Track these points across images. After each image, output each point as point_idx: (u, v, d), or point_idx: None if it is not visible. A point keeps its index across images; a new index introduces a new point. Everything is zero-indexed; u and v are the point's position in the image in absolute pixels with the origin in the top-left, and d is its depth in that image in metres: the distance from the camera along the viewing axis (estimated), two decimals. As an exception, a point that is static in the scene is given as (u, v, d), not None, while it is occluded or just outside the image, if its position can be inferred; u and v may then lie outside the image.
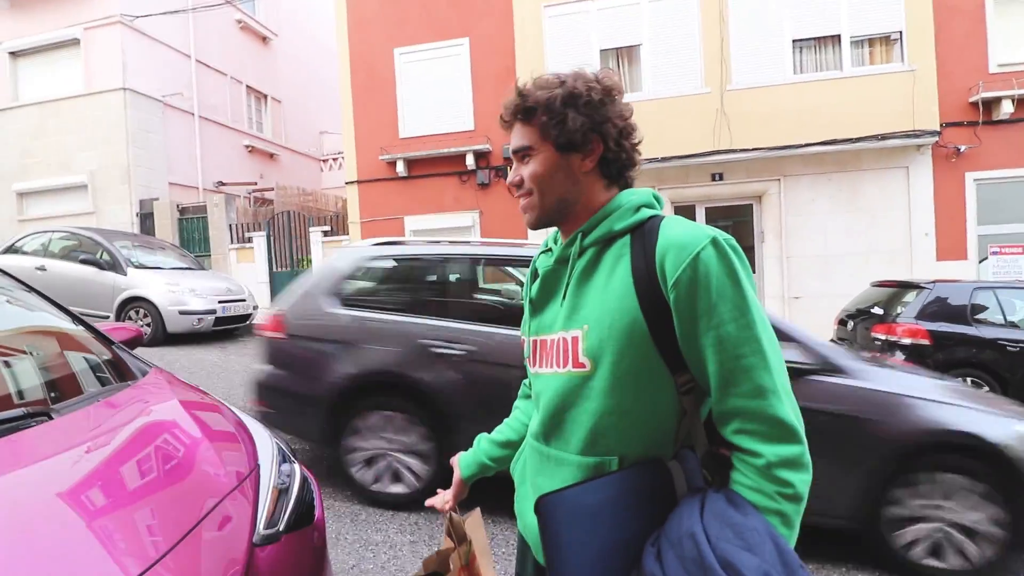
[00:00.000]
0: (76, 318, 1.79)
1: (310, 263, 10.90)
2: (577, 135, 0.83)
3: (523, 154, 0.88)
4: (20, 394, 1.36)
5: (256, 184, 14.04)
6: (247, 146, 14.64)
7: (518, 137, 0.89)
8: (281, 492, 1.33)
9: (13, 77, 12.39)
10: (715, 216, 8.85)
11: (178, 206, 11.79)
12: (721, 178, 8.58)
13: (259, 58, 15.34)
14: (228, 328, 7.79)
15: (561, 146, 0.85)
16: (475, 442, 1.16)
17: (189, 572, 1.00)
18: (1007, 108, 7.66)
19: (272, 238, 11.18)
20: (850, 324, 6.11)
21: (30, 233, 8.17)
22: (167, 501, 1.15)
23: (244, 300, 8.01)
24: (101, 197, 11.82)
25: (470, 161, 9.36)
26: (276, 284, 11.15)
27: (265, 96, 15.60)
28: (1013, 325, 4.97)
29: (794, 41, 8.20)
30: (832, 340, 6.42)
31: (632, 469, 0.77)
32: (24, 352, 1.56)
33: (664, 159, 8.28)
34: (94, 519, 1.02)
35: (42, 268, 7.34)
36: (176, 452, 1.29)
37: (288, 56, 16.31)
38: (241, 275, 10.45)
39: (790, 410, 0.72)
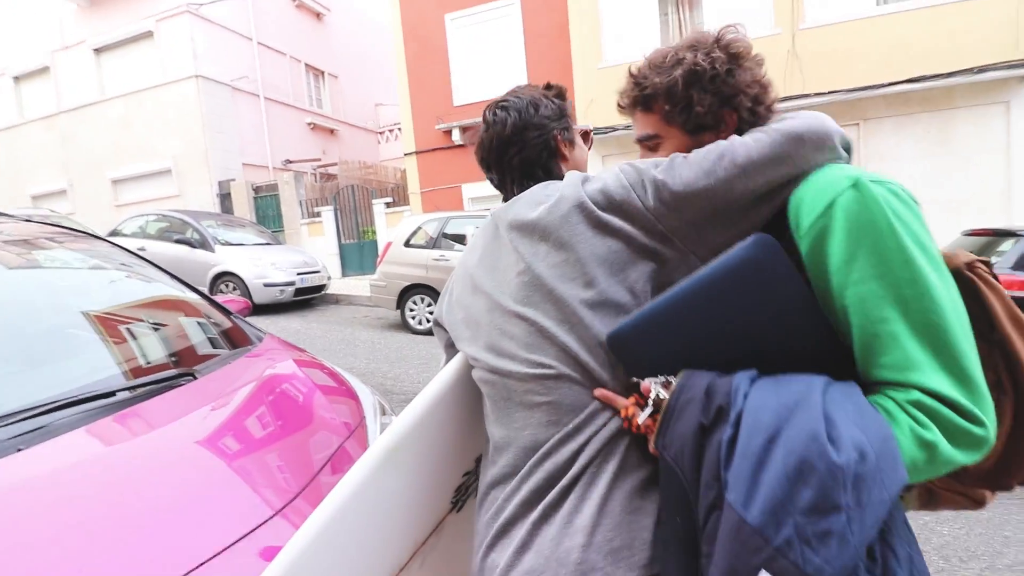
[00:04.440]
0: (199, 292, 2.04)
1: (375, 234, 11.34)
2: (708, 117, 0.76)
3: (650, 144, 0.83)
4: (167, 357, 1.60)
5: (320, 160, 14.61)
6: (309, 123, 15.18)
7: (640, 125, 0.83)
8: (386, 440, 1.51)
9: (99, 73, 13.40)
10: (785, 168, 8.38)
11: (252, 185, 12.51)
12: (792, 126, 8.06)
13: (314, 35, 15.69)
14: (306, 298, 8.33)
15: (690, 130, 0.78)
16: None
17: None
18: None
19: (339, 211, 11.69)
20: (937, 277, 5.71)
21: (129, 217, 8.99)
22: (296, 445, 1.34)
23: (319, 272, 8.51)
24: (184, 180, 12.73)
25: (525, 125, 9.28)
26: (345, 255, 11.71)
27: (322, 72, 16.01)
28: None
29: (878, -32, 7.45)
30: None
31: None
32: (162, 322, 1.82)
33: (728, 110, 7.87)
34: (238, 461, 1.22)
35: (142, 249, 8.10)
36: (299, 404, 1.49)
37: (341, 30, 16.57)
38: (313, 248, 11.05)
39: (951, 386, 0.56)
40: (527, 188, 0.87)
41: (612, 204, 0.73)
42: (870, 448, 0.51)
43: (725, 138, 0.76)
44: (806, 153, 0.67)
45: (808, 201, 0.64)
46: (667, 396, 0.64)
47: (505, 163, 0.92)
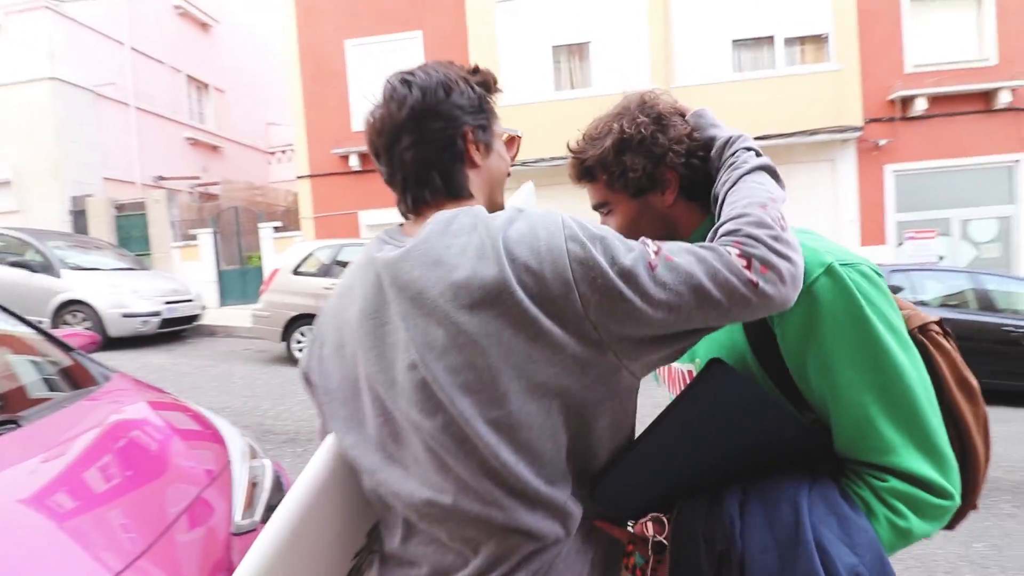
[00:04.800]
0: (32, 324, 1.79)
1: (259, 260, 10.62)
2: (644, 180, 0.78)
3: (603, 211, 0.85)
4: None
5: (199, 178, 13.49)
6: (188, 138, 14.02)
7: (590, 195, 0.86)
8: (255, 485, 1.42)
9: (-80, 63, 11.40)
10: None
11: (115, 203, 11.20)
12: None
13: (200, 46, 14.67)
14: (175, 330, 7.55)
15: (633, 194, 0.80)
16: None
17: (172, 564, 1.09)
18: (921, 105, 8.36)
19: (219, 234, 10.82)
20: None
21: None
22: (145, 499, 1.22)
23: (191, 300, 7.76)
24: (27, 194, 11.08)
25: (424, 155, 9.36)
26: (225, 282, 10.82)
27: (207, 85, 14.96)
28: (923, 304, 5.50)
29: (734, 41, 8.63)
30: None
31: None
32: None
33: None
34: (71, 520, 1.09)
35: (-36, 272, 6.88)
36: (150, 452, 1.36)
37: (231, 44, 15.67)
38: (187, 274, 10.07)
39: (924, 464, 0.61)
40: (421, 198, 0.69)
41: (545, 297, 0.56)
42: (864, 570, 0.56)
43: (672, 197, 0.79)
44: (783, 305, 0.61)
45: None
46: (663, 539, 0.65)
47: (395, 155, 0.69)
